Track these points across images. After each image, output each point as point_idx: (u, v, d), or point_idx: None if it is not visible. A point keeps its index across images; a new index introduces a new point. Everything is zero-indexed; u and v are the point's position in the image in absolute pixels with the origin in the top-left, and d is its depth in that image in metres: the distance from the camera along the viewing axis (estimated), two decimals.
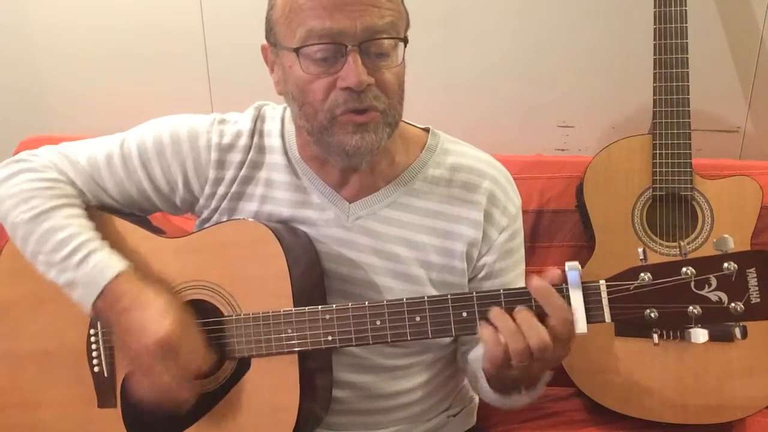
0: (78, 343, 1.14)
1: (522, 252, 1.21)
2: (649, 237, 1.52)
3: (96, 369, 1.13)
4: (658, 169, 1.50)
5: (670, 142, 1.48)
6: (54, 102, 1.94)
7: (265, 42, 1.09)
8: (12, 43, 1.89)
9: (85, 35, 1.87)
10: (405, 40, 1.04)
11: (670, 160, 1.49)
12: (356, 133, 1.02)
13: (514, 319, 0.94)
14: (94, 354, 1.13)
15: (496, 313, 0.95)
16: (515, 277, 1.19)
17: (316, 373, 1.09)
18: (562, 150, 1.86)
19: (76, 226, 1.09)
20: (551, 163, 1.69)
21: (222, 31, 1.84)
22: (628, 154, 1.54)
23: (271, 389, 1.05)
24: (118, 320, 1.05)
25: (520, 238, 1.20)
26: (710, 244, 1.46)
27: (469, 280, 1.16)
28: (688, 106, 1.48)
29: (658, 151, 1.49)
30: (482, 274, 1.16)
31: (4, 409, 1.17)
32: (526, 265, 1.23)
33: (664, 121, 1.49)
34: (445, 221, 1.13)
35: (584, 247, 1.62)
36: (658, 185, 1.50)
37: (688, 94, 1.48)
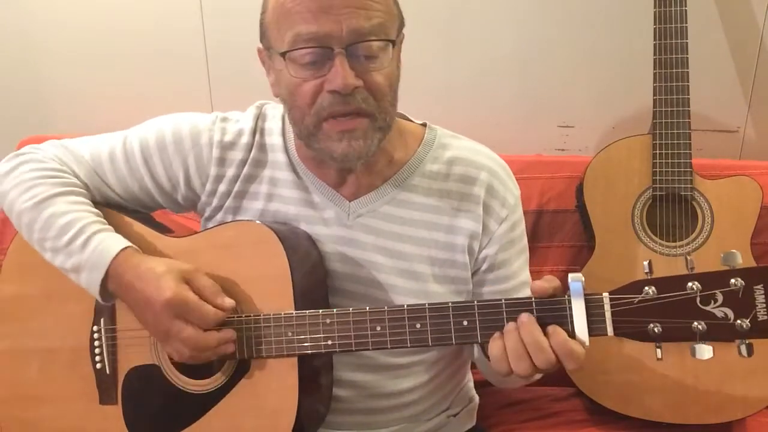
0: (81, 340, 1.14)
1: (524, 241, 1.21)
2: (649, 237, 1.52)
3: (98, 366, 1.13)
4: (658, 169, 1.50)
5: (670, 142, 1.48)
6: (54, 102, 1.94)
7: (260, 45, 1.09)
8: (12, 43, 1.89)
9: (85, 35, 1.87)
10: (394, 42, 1.03)
11: (670, 160, 1.49)
12: (342, 140, 1.02)
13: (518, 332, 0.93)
14: (97, 351, 1.13)
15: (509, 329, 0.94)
16: (519, 267, 1.19)
17: (315, 374, 1.09)
18: (562, 150, 1.86)
19: (78, 211, 1.09)
20: (551, 163, 1.69)
21: (222, 31, 1.83)
22: (628, 154, 1.54)
23: (270, 391, 1.05)
24: (128, 298, 1.06)
25: (522, 228, 1.20)
26: (710, 244, 1.49)
27: (473, 274, 1.16)
28: (688, 106, 1.48)
29: (658, 151, 1.49)
30: (485, 266, 1.16)
31: (7, 403, 1.18)
32: None
33: (664, 121, 1.49)
34: (446, 215, 1.13)
35: (584, 247, 1.62)
36: (658, 185, 1.50)
37: (688, 94, 1.48)
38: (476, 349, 1.20)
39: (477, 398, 1.36)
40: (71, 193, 1.12)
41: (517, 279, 1.18)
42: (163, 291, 1.00)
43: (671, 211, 1.52)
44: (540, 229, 1.67)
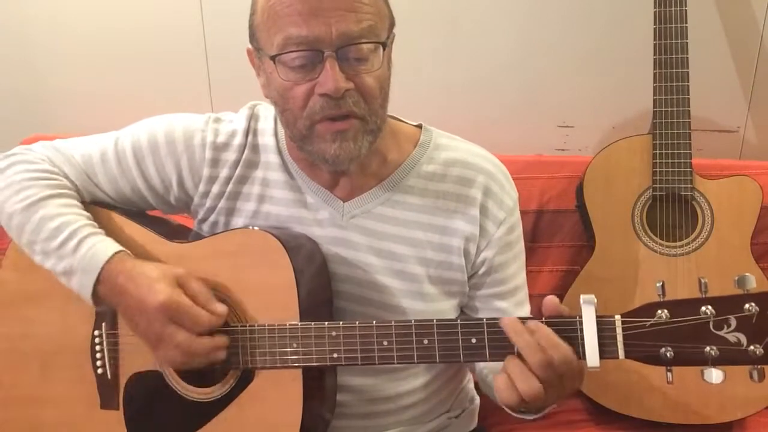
0: (82, 343, 1.13)
1: (521, 244, 1.20)
2: (649, 237, 1.52)
3: (99, 371, 1.12)
4: (658, 169, 1.50)
5: (670, 142, 1.48)
6: (54, 102, 1.94)
7: (250, 46, 1.09)
8: (12, 43, 1.89)
9: (84, 36, 1.87)
10: (384, 44, 1.03)
11: (670, 160, 1.49)
12: (335, 141, 1.02)
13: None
14: (98, 355, 1.12)
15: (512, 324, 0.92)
16: (516, 270, 1.18)
17: (320, 382, 1.07)
18: (562, 150, 1.86)
19: (69, 214, 1.08)
20: (551, 163, 1.69)
21: (222, 31, 1.83)
22: (628, 154, 1.54)
23: (273, 403, 1.04)
24: (120, 302, 1.05)
25: (519, 231, 1.19)
26: (710, 244, 1.49)
27: (470, 277, 1.16)
28: (688, 106, 1.48)
29: (658, 151, 1.50)
30: (483, 269, 1.15)
31: (4, 404, 1.17)
32: (527, 265, 1.23)
33: (664, 121, 1.49)
34: (441, 217, 1.13)
35: (584, 247, 1.62)
36: (658, 185, 1.50)
37: (688, 94, 1.48)
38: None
39: (478, 399, 1.36)
40: (63, 195, 1.11)
41: (513, 282, 1.18)
42: (157, 295, 0.99)
43: (671, 211, 1.52)
44: (540, 229, 1.67)
